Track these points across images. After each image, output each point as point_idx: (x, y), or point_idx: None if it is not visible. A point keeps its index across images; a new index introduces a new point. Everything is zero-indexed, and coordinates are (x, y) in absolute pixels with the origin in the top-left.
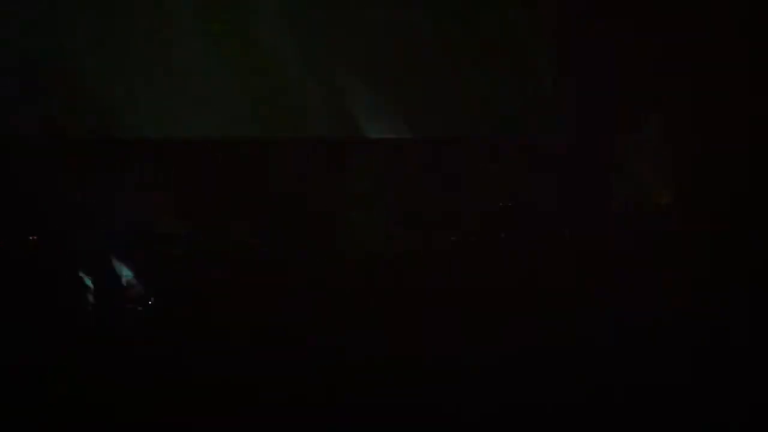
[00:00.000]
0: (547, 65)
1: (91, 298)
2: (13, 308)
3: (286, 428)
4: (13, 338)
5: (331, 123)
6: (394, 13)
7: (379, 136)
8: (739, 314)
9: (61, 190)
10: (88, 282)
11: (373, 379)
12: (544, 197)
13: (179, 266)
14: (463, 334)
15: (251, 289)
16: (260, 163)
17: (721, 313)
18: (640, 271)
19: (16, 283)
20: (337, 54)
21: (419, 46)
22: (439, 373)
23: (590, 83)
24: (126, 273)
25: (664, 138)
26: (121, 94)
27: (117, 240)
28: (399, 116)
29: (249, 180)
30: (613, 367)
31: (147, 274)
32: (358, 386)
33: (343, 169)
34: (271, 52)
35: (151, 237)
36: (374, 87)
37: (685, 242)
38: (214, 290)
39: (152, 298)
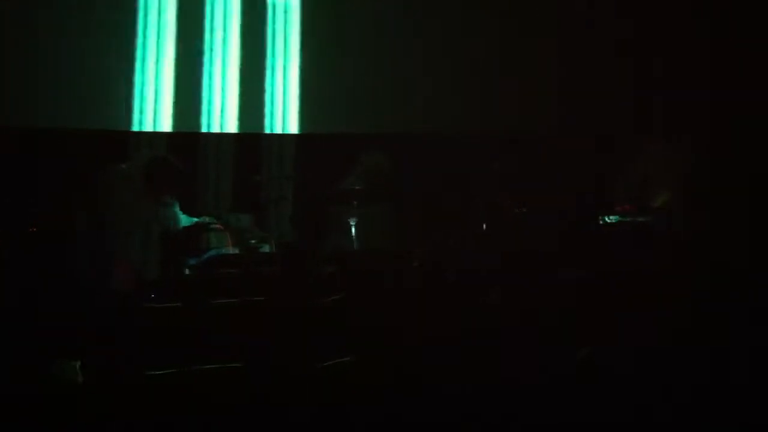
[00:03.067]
0: (552, 67)
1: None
2: None
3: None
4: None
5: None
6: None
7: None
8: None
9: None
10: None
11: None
12: (545, 196)
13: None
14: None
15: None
16: None
17: (721, 316)
18: (640, 270)
19: None
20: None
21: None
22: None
23: (593, 84)
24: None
25: (666, 140)
26: None
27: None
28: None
29: None
30: (615, 368)
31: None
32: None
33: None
34: None
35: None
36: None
37: (685, 243)
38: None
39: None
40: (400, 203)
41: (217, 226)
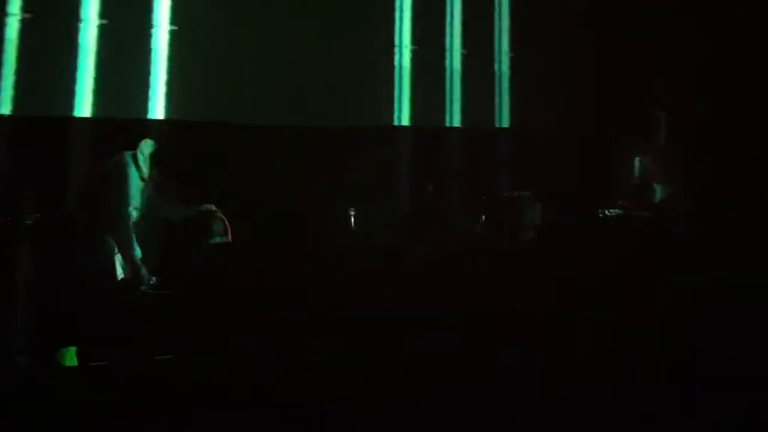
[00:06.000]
0: (554, 66)
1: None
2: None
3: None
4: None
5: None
6: None
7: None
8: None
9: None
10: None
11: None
12: (546, 193)
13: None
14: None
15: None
16: None
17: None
18: (640, 269)
19: None
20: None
21: None
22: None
23: (594, 83)
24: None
25: (667, 140)
26: None
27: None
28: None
29: None
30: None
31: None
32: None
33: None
34: None
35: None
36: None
37: (686, 243)
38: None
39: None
40: (398, 199)
41: (219, 214)
